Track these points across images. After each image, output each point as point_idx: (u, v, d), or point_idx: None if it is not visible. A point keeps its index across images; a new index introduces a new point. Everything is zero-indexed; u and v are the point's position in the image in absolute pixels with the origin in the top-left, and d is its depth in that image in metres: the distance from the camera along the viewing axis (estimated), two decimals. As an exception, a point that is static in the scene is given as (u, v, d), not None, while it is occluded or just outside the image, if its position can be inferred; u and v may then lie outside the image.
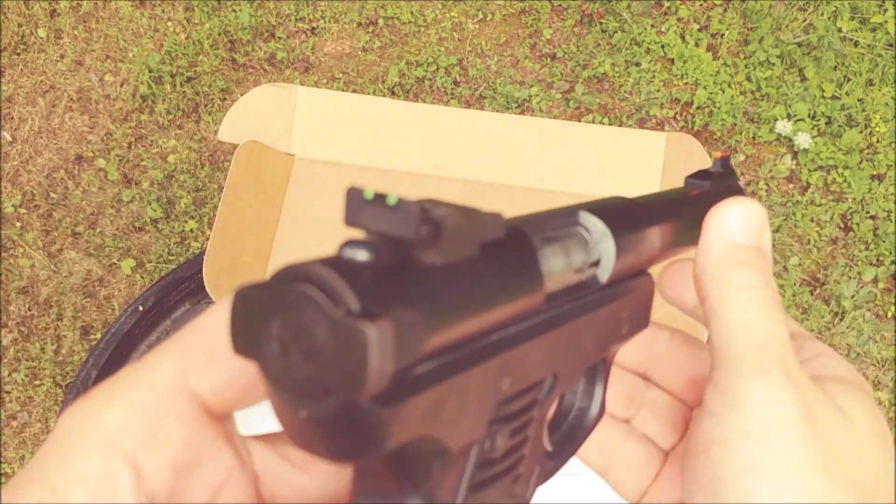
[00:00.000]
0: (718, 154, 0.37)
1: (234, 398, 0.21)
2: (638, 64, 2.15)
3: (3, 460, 1.75)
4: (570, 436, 0.27)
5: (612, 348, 0.28)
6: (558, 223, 0.24)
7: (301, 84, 1.90)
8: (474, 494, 0.20)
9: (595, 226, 0.25)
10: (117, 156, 2.05)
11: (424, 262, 0.18)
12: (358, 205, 0.17)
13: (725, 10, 2.23)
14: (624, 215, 0.26)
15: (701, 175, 0.35)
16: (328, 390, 0.16)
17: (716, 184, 0.35)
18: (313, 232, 1.04)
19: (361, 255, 0.17)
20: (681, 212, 0.31)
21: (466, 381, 0.18)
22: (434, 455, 0.19)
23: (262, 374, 0.17)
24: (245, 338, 0.17)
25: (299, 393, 0.16)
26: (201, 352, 0.20)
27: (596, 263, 0.25)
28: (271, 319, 0.16)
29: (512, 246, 0.21)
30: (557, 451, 0.27)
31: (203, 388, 0.20)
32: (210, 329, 0.20)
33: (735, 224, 0.25)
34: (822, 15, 2.20)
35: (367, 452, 0.17)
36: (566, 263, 0.23)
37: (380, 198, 0.17)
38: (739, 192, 0.36)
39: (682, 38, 2.19)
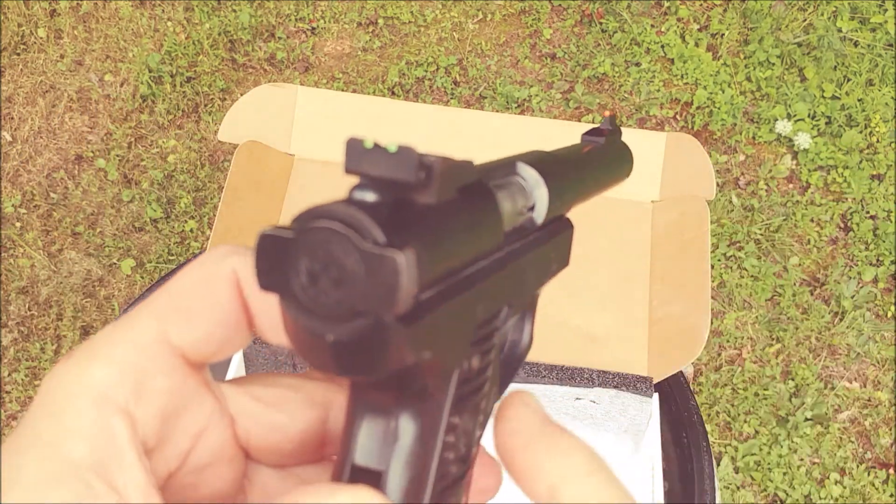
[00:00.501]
0: (607, 113, 0.43)
1: (211, 350, 0.22)
2: (638, 64, 2.15)
3: (3, 460, 1.75)
4: (507, 365, 0.31)
5: (544, 283, 0.31)
6: (501, 173, 0.28)
7: (301, 84, 1.90)
8: (455, 409, 0.23)
9: (531, 175, 0.28)
10: (117, 156, 2.05)
11: (419, 202, 0.20)
12: (359, 153, 0.19)
13: (725, 10, 2.23)
14: (550, 166, 0.30)
15: (594, 132, 0.40)
16: (359, 313, 0.18)
17: (607, 139, 0.40)
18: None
19: (370, 196, 0.19)
20: (587, 163, 0.36)
21: (459, 305, 0.21)
22: (431, 373, 0.21)
23: (289, 307, 0.19)
24: (271, 274, 0.19)
25: (329, 318, 0.19)
26: (179, 309, 0.21)
27: (532, 208, 0.28)
28: (300, 255, 0.18)
29: (478, 191, 0.24)
30: (500, 379, 0.30)
31: (183, 342, 0.21)
32: (186, 288, 0.22)
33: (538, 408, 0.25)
34: (822, 15, 2.20)
35: (388, 367, 0.19)
36: (513, 207, 0.27)
37: (379, 146, 0.19)
38: (624, 146, 0.43)
39: (682, 38, 2.19)
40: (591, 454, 0.23)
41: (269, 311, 0.22)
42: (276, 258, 0.19)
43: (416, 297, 0.19)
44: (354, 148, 0.19)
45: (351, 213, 0.18)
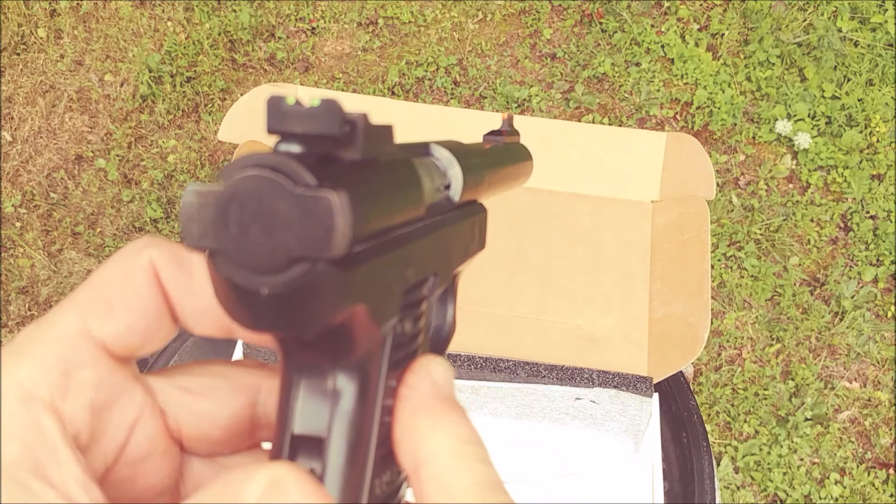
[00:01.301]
0: (505, 115, 0.45)
1: (135, 342, 0.22)
2: (638, 64, 2.15)
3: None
4: (434, 348, 0.31)
5: (463, 263, 0.32)
6: (417, 152, 0.29)
7: (301, 84, 1.90)
8: (391, 373, 0.23)
9: (444, 155, 0.29)
10: (117, 156, 2.05)
11: (344, 157, 0.20)
12: (282, 112, 0.19)
13: (725, 10, 2.23)
14: (462, 151, 0.31)
15: (495, 133, 0.43)
16: (294, 260, 0.18)
17: (506, 138, 0.43)
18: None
19: (295, 149, 0.19)
20: (492, 157, 0.37)
21: (389, 261, 0.22)
22: (364, 331, 0.21)
23: (220, 264, 0.19)
24: (198, 231, 0.18)
25: (261, 270, 0.18)
26: (100, 303, 0.21)
27: (448, 186, 0.29)
28: (229, 206, 0.18)
29: (399, 159, 0.25)
30: None
31: (106, 335, 0.21)
32: (107, 281, 0.22)
33: (442, 375, 0.24)
34: (822, 15, 2.20)
35: (324, 319, 0.19)
36: (430, 183, 0.27)
37: (300, 103, 0.19)
38: (523, 147, 0.45)
39: (682, 38, 2.19)
40: (469, 437, 0.22)
41: (189, 299, 0.22)
42: (202, 213, 0.18)
43: (349, 246, 0.19)
44: (276, 106, 0.19)
45: (281, 160, 0.18)
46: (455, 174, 0.29)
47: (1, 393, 0.19)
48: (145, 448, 0.23)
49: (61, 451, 0.19)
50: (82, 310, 0.21)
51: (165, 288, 0.22)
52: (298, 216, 0.18)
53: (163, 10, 2.22)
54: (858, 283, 1.91)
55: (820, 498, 1.71)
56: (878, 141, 2.06)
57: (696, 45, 2.18)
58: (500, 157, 0.38)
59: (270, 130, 0.20)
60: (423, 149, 0.29)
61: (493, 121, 1.10)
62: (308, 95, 0.19)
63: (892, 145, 2.06)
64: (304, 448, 0.21)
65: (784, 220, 1.97)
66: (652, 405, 0.91)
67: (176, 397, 0.23)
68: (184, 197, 0.19)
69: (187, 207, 0.19)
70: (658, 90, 2.12)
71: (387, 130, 0.22)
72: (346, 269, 0.19)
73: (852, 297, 1.89)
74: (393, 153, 0.24)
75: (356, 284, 0.20)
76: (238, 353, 0.95)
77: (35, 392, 0.20)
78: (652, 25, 2.20)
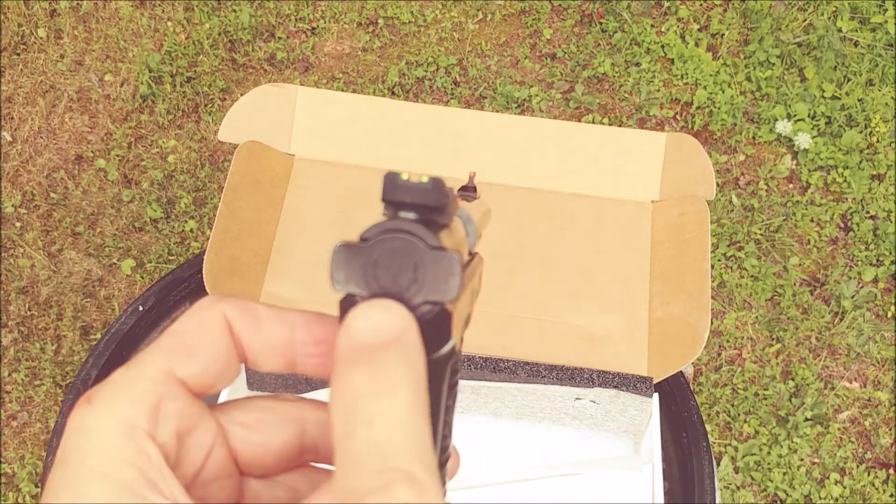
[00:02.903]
0: (472, 173, 0.52)
1: (209, 381, 0.26)
2: (638, 64, 2.15)
3: (3, 460, 1.75)
4: None
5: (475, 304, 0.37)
6: None
7: (301, 84, 1.90)
8: (449, 394, 0.27)
9: (464, 213, 0.34)
10: (117, 156, 2.05)
11: (439, 221, 0.25)
12: (397, 185, 0.24)
13: (725, 10, 2.23)
14: (469, 209, 0.36)
15: (465, 188, 0.49)
16: (427, 301, 0.23)
17: (476, 195, 0.48)
18: (313, 232, 1.04)
19: (412, 216, 0.25)
20: (474, 213, 0.42)
21: (464, 299, 0.27)
22: (445, 356, 0.25)
23: (349, 301, 0.24)
24: (345, 277, 0.24)
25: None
26: (182, 348, 0.25)
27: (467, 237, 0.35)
28: (379, 257, 0.23)
29: (456, 220, 0.30)
30: None
31: (186, 375, 0.25)
32: (187, 330, 0.26)
33: (363, 322, 0.23)
34: (822, 15, 2.20)
35: (433, 346, 0.24)
36: (465, 236, 0.32)
37: (411, 179, 0.24)
38: (483, 201, 0.50)
39: (682, 38, 2.19)
40: (359, 392, 0.22)
41: (258, 342, 0.26)
42: (352, 264, 0.24)
43: (461, 291, 0.24)
44: (392, 181, 0.25)
45: (415, 225, 0.24)
46: (471, 229, 0.34)
47: (109, 427, 0.23)
48: (216, 471, 0.26)
49: (164, 470, 0.23)
50: (167, 354, 0.25)
51: (237, 334, 0.26)
52: (430, 268, 0.23)
53: (163, 10, 2.22)
54: (858, 283, 1.91)
55: (820, 498, 1.71)
56: (878, 141, 2.06)
57: (696, 45, 2.18)
58: (478, 210, 0.44)
59: (385, 199, 0.25)
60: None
61: (494, 121, 1.10)
62: (415, 173, 0.25)
63: (892, 145, 2.06)
64: None
65: (784, 220, 1.97)
66: (652, 405, 0.91)
67: (234, 430, 0.27)
68: (334, 251, 0.24)
69: (336, 259, 0.24)
70: (658, 90, 2.12)
71: (457, 200, 0.27)
72: (454, 309, 0.24)
73: (852, 297, 1.89)
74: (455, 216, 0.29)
75: (454, 321, 0.25)
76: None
77: (136, 424, 0.23)
78: (652, 25, 2.20)
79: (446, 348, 0.25)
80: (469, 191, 0.49)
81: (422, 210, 0.25)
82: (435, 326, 0.24)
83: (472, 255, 0.35)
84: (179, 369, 0.25)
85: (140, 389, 0.24)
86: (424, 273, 0.23)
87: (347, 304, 0.24)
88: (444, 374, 0.25)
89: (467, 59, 2.16)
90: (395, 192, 0.24)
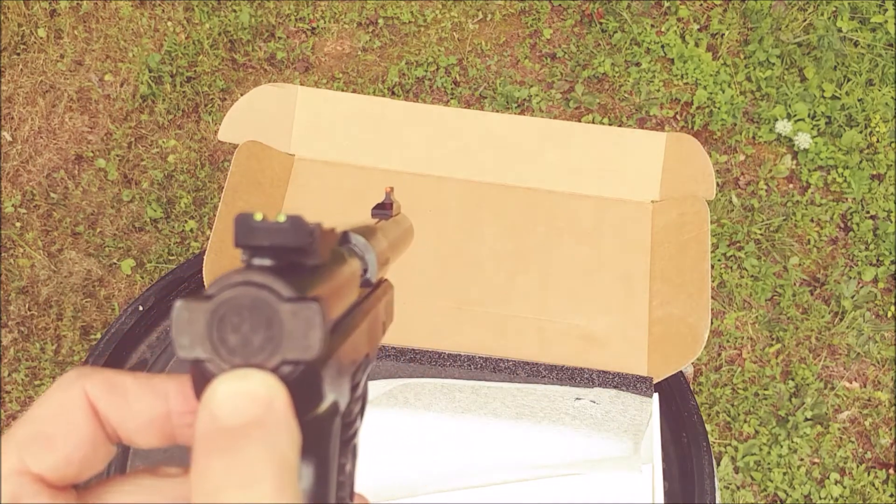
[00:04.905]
0: (388, 188, 0.50)
1: (73, 472, 0.23)
2: (638, 64, 2.15)
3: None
4: None
5: (381, 339, 0.35)
6: (340, 241, 0.32)
7: (301, 84, 1.90)
8: (342, 451, 0.25)
9: (360, 241, 0.32)
10: (117, 156, 2.05)
11: (306, 263, 0.23)
12: (251, 227, 0.22)
13: (725, 10, 2.23)
14: (367, 234, 0.34)
15: (380, 206, 0.47)
16: (286, 362, 0.21)
17: (392, 211, 0.46)
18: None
19: (267, 262, 0.22)
20: (388, 234, 0.40)
21: (346, 350, 0.24)
22: (326, 415, 0.23)
23: (206, 370, 0.21)
24: (188, 342, 0.21)
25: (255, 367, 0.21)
26: (37, 439, 0.23)
27: (366, 271, 0.32)
28: (226, 317, 0.20)
29: (338, 254, 0.28)
30: None
31: (44, 468, 0.23)
32: (44, 416, 0.23)
33: (223, 399, 0.21)
34: (822, 15, 2.20)
35: (303, 411, 0.21)
36: (357, 269, 0.30)
37: (266, 219, 0.22)
38: (404, 217, 0.49)
39: (682, 38, 2.19)
40: (226, 481, 0.20)
41: (129, 420, 0.24)
42: (195, 327, 0.20)
43: (324, 347, 0.21)
44: (245, 223, 0.22)
45: (265, 275, 0.21)
46: (371, 258, 0.32)
47: None
48: None
49: None
50: (21, 446, 0.22)
51: (103, 414, 0.24)
52: (290, 322, 0.20)
53: (163, 10, 2.22)
54: (858, 283, 1.91)
55: (820, 498, 1.71)
56: (878, 141, 2.06)
57: (696, 45, 2.18)
58: (394, 231, 0.42)
59: (238, 245, 0.22)
60: (343, 238, 0.32)
61: (494, 121, 1.10)
62: (272, 211, 0.22)
63: (892, 145, 2.06)
64: None
65: (784, 220, 1.97)
66: (652, 405, 0.91)
67: None
68: (174, 311, 0.21)
69: (178, 321, 0.21)
70: (658, 90, 2.12)
71: (331, 234, 0.25)
72: (322, 365, 0.21)
73: (852, 297, 1.89)
74: (334, 250, 0.27)
75: (328, 374, 0.22)
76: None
77: None
78: (652, 25, 2.20)
79: (323, 406, 0.22)
80: (385, 208, 0.46)
81: (281, 253, 0.22)
82: (302, 387, 0.21)
83: (377, 284, 0.33)
84: (35, 463, 0.22)
85: None
86: (280, 330, 0.20)
87: (197, 370, 0.21)
88: (328, 432, 0.23)
89: (467, 59, 2.16)
90: (249, 236, 0.22)
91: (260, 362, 0.20)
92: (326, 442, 0.23)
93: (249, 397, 0.20)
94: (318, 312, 0.20)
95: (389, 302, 0.36)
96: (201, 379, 0.21)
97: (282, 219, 0.22)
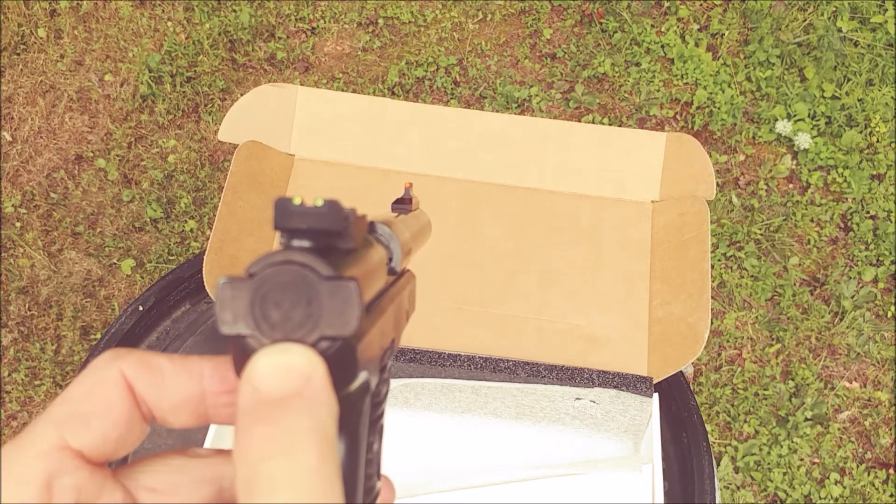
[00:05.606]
0: (407, 184, 0.50)
1: (110, 449, 0.24)
2: (638, 64, 2.15)
3: (3, 460, 1.75)
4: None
5: (405, 325, 0.36)
6: (369, 231, 0.32)
7: (301, 84, 1.90)
8: (370, 430, 0.26)
9: (385, 231, 0.33)
10: (117, 156, 2.05)
11: (341, 246, 0.24)
12: (289, 210, 0.23)
13: (725, 10, 2.23)
14: (391, 225, 0.35)
15: (399, 201, 0.48)
16: (324, 337, 0.21)
17: (412, 206, 0.48)
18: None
19: (305, 243, 0.23)
20: (410, 227, 0.42)
21: (377, 330, 0.25)
22: (357, 393, 0.24)
23: (246, 345, 0.21)
24: (231, 318, 0.21)
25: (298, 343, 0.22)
26: (74, 416, 0.24)
27: (391, 259, 0.33)
28: (268, 293, 0.21)
29: (369, 241, 0.29)
30: None
31: (81, 445, 0.23)
32: (81, 396, 0.24)
33: (265, 372, 0.21)
34: (822, 15, 2.20)
35: (338, 385, 0.22)
36: (385, 256, 0.31)
37: (304, 203, 0.23)
38: (421, 211, 0.50)
39: (682, 38, 2.19)
40: (272, 451, 0.21)
41: (164, 399, 0.25)
42: (237, 303, 0.21)
43: (360, 324, 0.22)
44: (284, 206, 0.23)
45: (305, 254, 0.22)
46: (395, 248, 0.33)
47: None
48: None
49: None
50: (59, 425, 0.23)
51: (139, 394, 0.25)
52: (329, 300, 0.21)
53: (163, 10, 2.22)
54: (858, 283, 1.91)
55: (820, 498, 1.71)
56: (878, 141, 2.06)
57: (696, 45, 2.18)
58: (414, 224, 0.43)
59: (277, 227, 0.23)
60: (370, 227, 0.33)
61: (494, 121, 1.10)
62: (310, 196, 0.23)
63: (892, 145, 2.06)
64: None
65: (784, 220, 1.97)
66: (652, 405, 0.91)
67: (143, 497, 0.25)
68: (217, 289, 0.22)
69: (221, 297, 0.21)
70: (658, 90, 2.12)
71: (363, 220, 0.26)
72: (358, 343, 0.22)
73: (852, 297, 1.89)
74: (366, 238, 0.28)
75: (362, 354, 0.23)
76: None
77: None
78: (652, 25, 2.20)
79: (357, 383, 0.23)
80: (405, 203, 0.47)
81: (317, 236, 0.23)
82: (338, 363, 0.22)
83: (400, 273, 0.34)
84: (74, 440, 0.23)
85: (29, 467, 0.23)
86: (319, 306, 0.21)
87: (238, 346, 0.22)
88: (359, 410, 0.24)
89: (467, 59, 2.16)
90: (287, 219, 0.23)
91: (300, 337, 0.21)
92: (357, 419, 0.24)
93: (290, 370, 0.21)
94: (356, 291, 0.21)
95: (412, 291, 0.37)
96: (242, 355, 0.22)
97: (319, 203, 0.23)
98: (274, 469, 0.20)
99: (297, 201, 0.23)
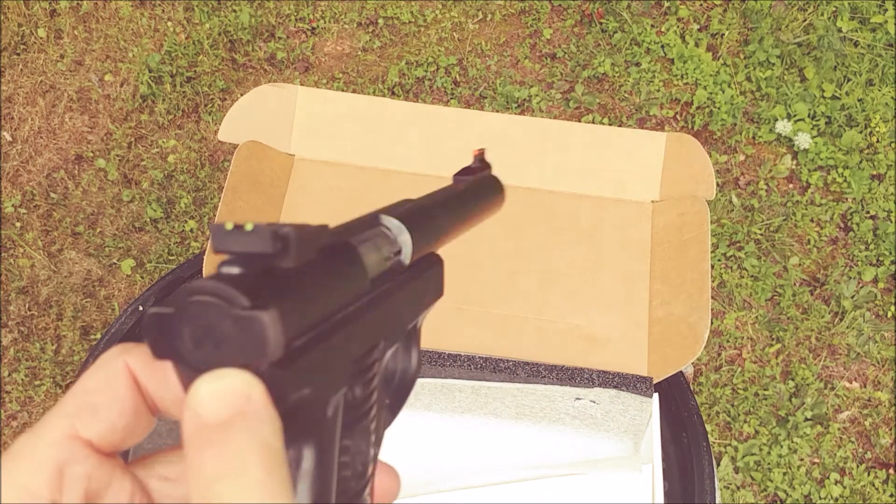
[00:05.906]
0: (476, 151, 0.48)
1: (118, 439, 0.25)
2: (638, 64, 2.15)
3: (3, 460, 1.75)
4: (399, 390, 0.35)
5: (422, 314, 0.35)
6: (366, 226, 0.32)
7: (301, 84, 1.90)
8: (345, 433, 0.26)
9: (393, 224, 0.32)
10: (117, 156, 2.05)
11: (281, 266, 0.23)
12: (222, 235, 0.23)
13: (725, 10, 2.23)
14: (415, 213, 0.34)
15: (465, 171, 0.45)
16: (242, 366, 0.22)
17: (477, 175, 0.45)
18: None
19: (235, 269, 0.23)
20: (454, 203, 0.40)
21: (331, 346, 0.25)
22: (316, 405, 0.24)
23: (182, 369, 0.22)
24: (162, 345, 0.22)
25: None
26: (86, 408, 0.25)
27: (399, 252, 0.32)
28: (183, 326, 0.22)
29: (339, 248, 0.28)
30: (393, 403, 0.35)
31: (91, 435, 0.25)
32: (90, 388, 0.25)
33: (205, 398, 0.22)
34: (822, 15, 2.20)
35: (277, 406, 0.22)
36: (378, 255, 0.30)
37: (238, 227, 0.23)
38: (492, 179, 0.47)
39: (682, 38, 2.19)
40: (219, 473, 0.21)
41: (167, 392, 0.26)
42: (163, 332, 0.22)
43: (287, 345, 0.22)
44: (218, 231, 0.23)
45: (218, 286, 0.21)
46: (405, 240, 0.32)
47: (7, 495, 0.23)
48: None
49: None
50: (70, 416, 0.25)
51: (144, 386, 0.26)
52: (237, 333, 0.21)
53: (163, 10, 2.22)
54: (858, 283, 1.91)
55: (820, 498, 1.71)
56: (878, 141, 2.06)
57: (696, 45, 2.18)
58: (463, 200, 0.41)
59: (215, 251, 0.23)
60: (372, 221, 0.32)
61: (494, 121, 1.10)
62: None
63: (892, 145, 2.06)
64: None
65: (784, 220, 1.97)
66: (652, 405, 0.91)
67: (155, 485, 0.27)
68: (144, 321, 0.22)
69: (148, 327, 0.22)
70: (658, 90, 2.12)
71: (321, 231, 0.26)
72: (288, 367, 0.22)
73: (852, 297, 1.89)
74: (334, 245, 0.28)
75: (297, 376, 0.23)
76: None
77: (36, 491, 0.23)
78: (652, 25, 2.20)
79: (306, 394, 0.23)
80: (469, 173, 0.45)
81: (249, 260, 0.23)
82: (279, 379, 0.22)
83: (418, 261, 0.33)
84: (84, 430, 0.25)
85: (41, 456, 0.24)
86: (229, 341, 0.21)
87: (181, 370, 0.22)
88: (320, 417, 0.24)
89: (467, 59, 2.16)
90: (220, 243, 0.23)
91: (231, 363, 0.22)
92: (320, 426, 0.24)
93: (228, 394, 0.22)
94: (271, 321, 0.21)
95: (434, 278, 0.36)
96: (186, 377, 0.22)
97: (249, 227, 0.23)
98: (224, 489, 0.20)
99: (228, 226, 0.23)
